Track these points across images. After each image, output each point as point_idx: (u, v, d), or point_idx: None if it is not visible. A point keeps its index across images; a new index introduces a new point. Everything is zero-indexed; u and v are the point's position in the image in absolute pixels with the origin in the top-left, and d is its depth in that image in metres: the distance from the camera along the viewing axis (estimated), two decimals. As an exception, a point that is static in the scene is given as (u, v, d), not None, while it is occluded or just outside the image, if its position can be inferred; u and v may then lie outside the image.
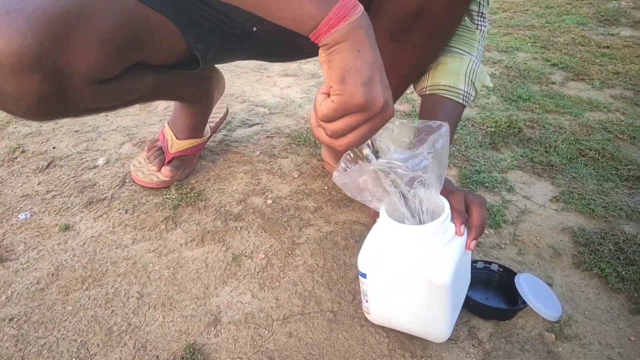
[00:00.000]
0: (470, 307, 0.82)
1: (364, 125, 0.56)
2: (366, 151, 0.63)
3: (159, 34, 0.79)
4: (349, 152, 0.66)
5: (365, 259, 0.71)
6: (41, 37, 0.61)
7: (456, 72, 0.87)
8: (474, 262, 0.89)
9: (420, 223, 0.69)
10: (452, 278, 0.66)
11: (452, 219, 0.70)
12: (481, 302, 0.82)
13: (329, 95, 0.55)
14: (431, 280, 0.66)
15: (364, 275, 0.73)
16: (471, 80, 0.88)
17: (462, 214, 0.71)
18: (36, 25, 0.61)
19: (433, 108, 0.88)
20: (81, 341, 0.74)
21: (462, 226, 0.70)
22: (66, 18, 0.63)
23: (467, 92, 0.87)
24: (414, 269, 0.68)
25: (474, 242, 0.71)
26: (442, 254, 0.67)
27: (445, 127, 0.65)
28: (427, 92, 0.89)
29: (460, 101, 0.87)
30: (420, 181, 0.65)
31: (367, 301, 0.75)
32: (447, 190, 0.73)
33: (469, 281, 0.81)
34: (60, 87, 0.67)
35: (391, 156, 0.64)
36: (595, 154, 1.33)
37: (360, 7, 0.54)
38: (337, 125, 0.55)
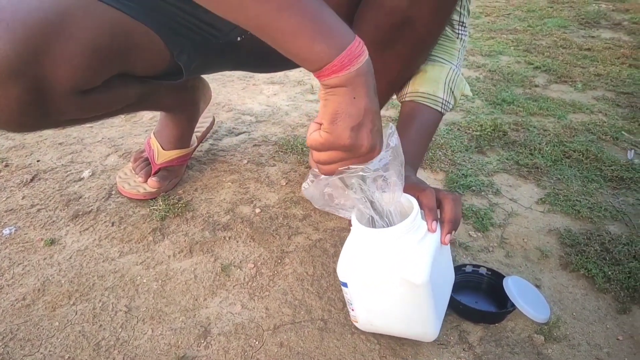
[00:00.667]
0: (460, 310, 0.82)
1: (347, 160, 0.61)
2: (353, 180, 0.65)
3: (142, 44, 0.79)
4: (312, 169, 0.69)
5: (343, 268, 0.72)
6: (20, 48, 0.61)
7: (435, 81, 0.89)
8: (462, 266, 0.89)
9: (391, 225, 0.69)
10: (430, 275, 0.66)
11: (424, 217, 0.71)
12: (470, 306, 0.82)
13: (320, 126, 0.59)
14: (409, 280, 0.67)
15: (345, 285, 0.73)
16: (450, 88, 0.89)
17: (433, 210, 0.71)
18: (14, 36, 0.60)
19: (411, 114, 0.89)
20: (69, 357, 0.73)
21: (434, 222, 0.70)
22: (46, 28, 0.63)
23: (445, 100, 0.89)
24: (391, 271, 0.68)
25: (449, 236, 0.71)
26: (416, 253, 0.67)
27: (393, 126, 0.67)
28: (407, 99, 0.91)
29: (439, 109, 0.89)
30: (383, 179, 0.66)
31: (353, 310, 0.76)
32: (418, 189, 0.73)
33: (453, 277, 0.82)
34: (41, 98, 0.67)
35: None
36: (580, 155, 1.35)
37: (365, 55, 0.56)
38: (322, 156, 0.61)
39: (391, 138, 0.66)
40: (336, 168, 0.61)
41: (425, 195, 0.72)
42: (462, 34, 0.92)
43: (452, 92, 0.90)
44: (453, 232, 0.72)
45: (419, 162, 0.89)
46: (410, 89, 0.90)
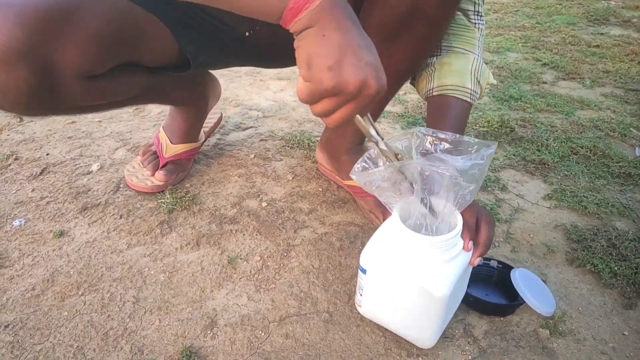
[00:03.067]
0: (471, 303, 0.83)
1: (346, 106, 0.54)
2: (372, 131, 0.62)
3: (151, 34, 0.80)
4: (369, 151, 0.67)
5: (368, 256, 0.72)
6: (30, 31, 0.62)
7: (462, 72, 0.88)
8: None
9: (429, 230, 0.69)
10: (450, 292, 0.67)
11: (462, 234, 0.70)
12: (481, 298, 0.83)
13: None
14: (429, 291, 0.67)
15: (363, 271, 0.73)
16: (476, 78, 0.88)
17: (473, 230, 0.71)
18: (25, 19, 0.62)
19: (443, 108, 0.87)
20: (77, 346, 0.74)
21: (471, 242, 0.70)
22: (56, 13, 0.64)
23: (473, 91, 0.88)
24: (414, 277, 0.68)
25: (479, 259, 0.71)
26: (444, 268, 0.68)
27: (494, 146, 0.65)
28: (435, 93, 0.89)
29: (468, 100, 0.87)
30: (458, 185, 0.64)
31: (361, 295, 0.76)
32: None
33: (464, 292, 0.81)
34: (48, 80, 0.68)
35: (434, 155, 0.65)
36: (587, 151, 1.34)
37: None
38: (317, 108, 0.55)
39: (486, 154, 0.65)
40: (340, 117, 0.55)
41: (467, 212, 0.71)
42: (479, 23, 0.91)
43: (479, 82, 0.88)
44: (481, 259, 0.72)
45: None
46: (436, 83, 0.89)
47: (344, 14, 0.53)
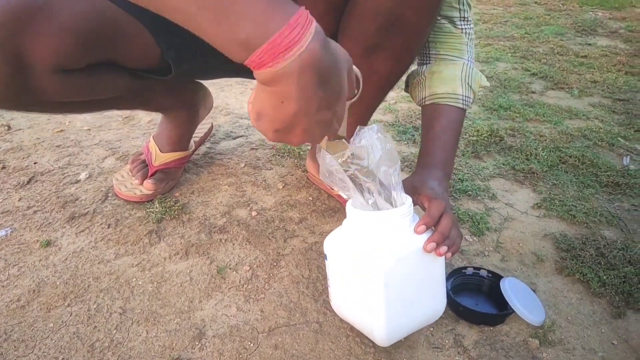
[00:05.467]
0: (460, 312, 0.83)
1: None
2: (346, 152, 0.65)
3: (131, 35, 0.81)
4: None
5: (328, 240, 0.75)
6: (2, 20, 0.64)
7: (452, 79, 0.89)
8: (463, 268, 0.90)
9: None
10: (390, 269, 0.66)
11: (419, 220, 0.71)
12: (471, 308, 0.82)
13: None
14: (372, 270, 0.67)
15: (326, 257, 0.76)
16: (468, 83, 0.89)
17: (430, 218, 0.71)
18: None
19: (435, 116, 0.89)
20: (63, 358, 0.73)
21: (423, 226, 0.69)
22: (29, 6, 0.66)
23: (465, 96, 0.89)
24: (361, 258, 0.69)
25: (432, 245, 0.68)
26: (389, 245, 0.68)
27: (376, 127, 0.67)
28: (427, 103, 0.91)
29: (461, 106, 0.89)
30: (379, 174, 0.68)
31: (329, 286, 0.78)
32: (430, 196, 0.74)
33: (441, 304, 0.77)
34: (21, 72, 0.69)
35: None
36: (575, 161, 1.35)
37: (300, 48, 0.43)
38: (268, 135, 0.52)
39: (375, 135, 0.66)
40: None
41: (432, 203, 0.72)
42: (466, 28, 0.92)
43: (470, 87, 0.89)
44: (445, 249, 0.69)
45: (450, 164, 0.88)
46: (427, 92, 0.90)
47: (312, 78, 0.45)
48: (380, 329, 0.71)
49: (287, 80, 0.45)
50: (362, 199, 0.69)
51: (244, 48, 0.44)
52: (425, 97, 0.91)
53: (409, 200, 0.71)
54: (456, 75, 0.89)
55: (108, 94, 0.87)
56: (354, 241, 0.71)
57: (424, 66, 0.93)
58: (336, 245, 0.74)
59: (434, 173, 0.82)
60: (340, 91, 0.49)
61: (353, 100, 0.59)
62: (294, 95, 0.46)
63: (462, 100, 0.88)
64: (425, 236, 0.70)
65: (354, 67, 0.54)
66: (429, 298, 0.75)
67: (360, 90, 0.59)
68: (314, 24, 0.45)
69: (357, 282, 0.71)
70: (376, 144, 0.66)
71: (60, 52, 0.70)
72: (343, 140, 0.64)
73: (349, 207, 0.71)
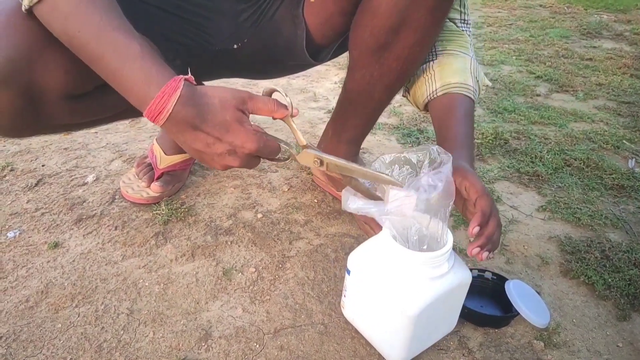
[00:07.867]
0: (465, 314, 0.83)
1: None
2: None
3: None
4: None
5: (354, 258, 0.74)
6: (11, 54, 0.62)
7: (463, 70, 0.88)
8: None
9: (421, 242, 0.69)
10: (421, 313, 0.66)
11: (470, 218, 0.69)
12: (476, 310, 0.83)
13: None
14: (400, 307, 0.67)
15: (348, 272, 0.75)
16: (475, 77, 0.89)
17: (486, 217, 0.68)
18: (6, 42, 0.62)
19: (450, 106, 0.86)
20: (71, 359, 0.73)
21: (477, 227, 0.67)
22: (37, 35, 0.64)
23: (474, 89, 0.88)
24: (390, 290, 0.68)
25: (478, 249, 0.67)
26: (423, 288, 0.67)
27: (449, 157, 0.67)
28: (440, 94, 0.88)
29: (472, 97, 0.87)
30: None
31: (345, 296, 0.78)
32: (479, 191, 0.70)
33: (454, 322, 0.79)
34: (33, 103, 0.68)
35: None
36: (580, 163, 1.35)
37: (168, 109, 0.58)
38: None
39: (444, 166, 0.66)
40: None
41: (483, 200, 0.69)
42: (466, 30, 0.93)
43: (477, 81, 0.89)
44: (488, 253, 0.68)
45: (472, 153, 0.84)
46: (439, 83, 0.88)
47: (184, 127, 0.61)
48: (399, 355, 0.73)
49: (170, 130, 0.61)
50: (405, 232, 0.69)
51: (138, 108, 0.60)
52: (437, 89, 0.88)
53: (450, 239, 0.69)
54: (466, 67, 0.88)
55: (117, 110, 0.87)
56: (384, 271, 0.69)
57: (430, 63, 0.91)
58: (363, 264, 0.72)
59: (465, 155, 0.78)
60: (223, 127, 0.61)
61: (289, 116, 0.69)
62: (180, 139, 0.63)
63: (473, 91, 0.87)
64: (461, 273, 0.71)
65: (278, 91, 0.70)
66: (447, 324, 0.78)
67: (292, 107, 0.68)
68: (179, 90, 0.59)
69: (382, 308, 0.71)
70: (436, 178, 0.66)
71: (71, 79, 0.69)
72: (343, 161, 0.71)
73: (387, 236, 0.69)
